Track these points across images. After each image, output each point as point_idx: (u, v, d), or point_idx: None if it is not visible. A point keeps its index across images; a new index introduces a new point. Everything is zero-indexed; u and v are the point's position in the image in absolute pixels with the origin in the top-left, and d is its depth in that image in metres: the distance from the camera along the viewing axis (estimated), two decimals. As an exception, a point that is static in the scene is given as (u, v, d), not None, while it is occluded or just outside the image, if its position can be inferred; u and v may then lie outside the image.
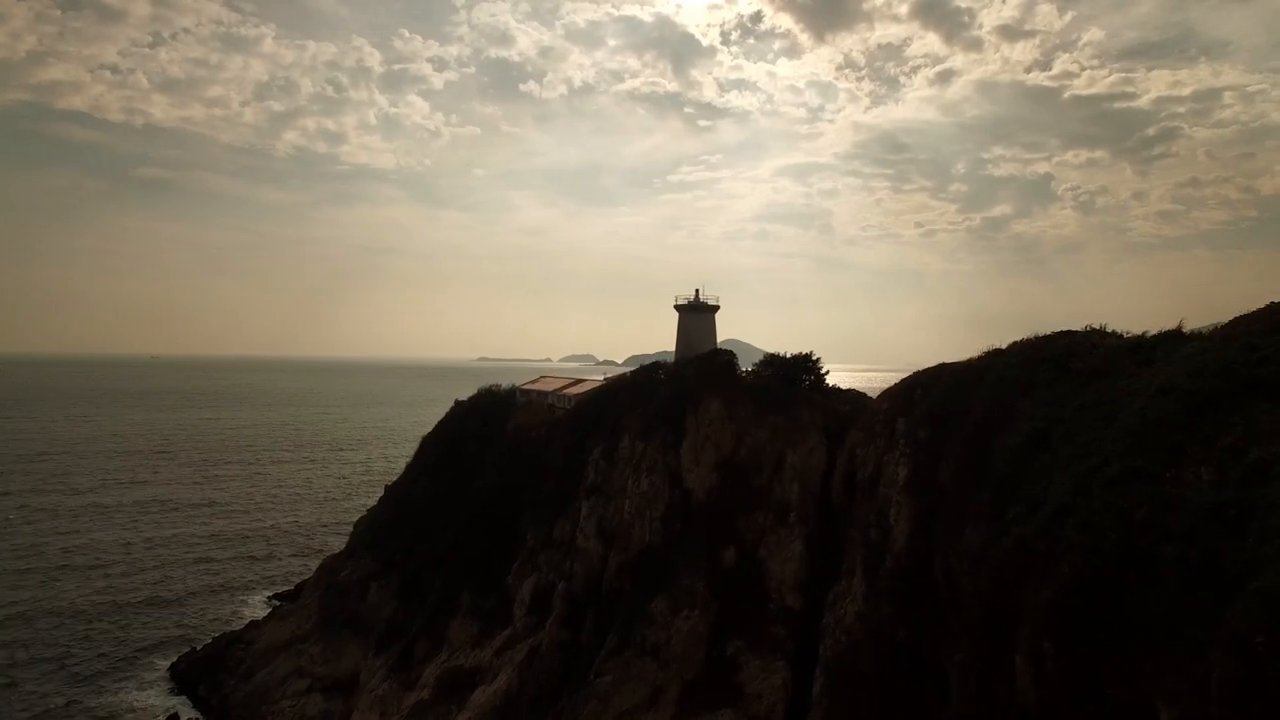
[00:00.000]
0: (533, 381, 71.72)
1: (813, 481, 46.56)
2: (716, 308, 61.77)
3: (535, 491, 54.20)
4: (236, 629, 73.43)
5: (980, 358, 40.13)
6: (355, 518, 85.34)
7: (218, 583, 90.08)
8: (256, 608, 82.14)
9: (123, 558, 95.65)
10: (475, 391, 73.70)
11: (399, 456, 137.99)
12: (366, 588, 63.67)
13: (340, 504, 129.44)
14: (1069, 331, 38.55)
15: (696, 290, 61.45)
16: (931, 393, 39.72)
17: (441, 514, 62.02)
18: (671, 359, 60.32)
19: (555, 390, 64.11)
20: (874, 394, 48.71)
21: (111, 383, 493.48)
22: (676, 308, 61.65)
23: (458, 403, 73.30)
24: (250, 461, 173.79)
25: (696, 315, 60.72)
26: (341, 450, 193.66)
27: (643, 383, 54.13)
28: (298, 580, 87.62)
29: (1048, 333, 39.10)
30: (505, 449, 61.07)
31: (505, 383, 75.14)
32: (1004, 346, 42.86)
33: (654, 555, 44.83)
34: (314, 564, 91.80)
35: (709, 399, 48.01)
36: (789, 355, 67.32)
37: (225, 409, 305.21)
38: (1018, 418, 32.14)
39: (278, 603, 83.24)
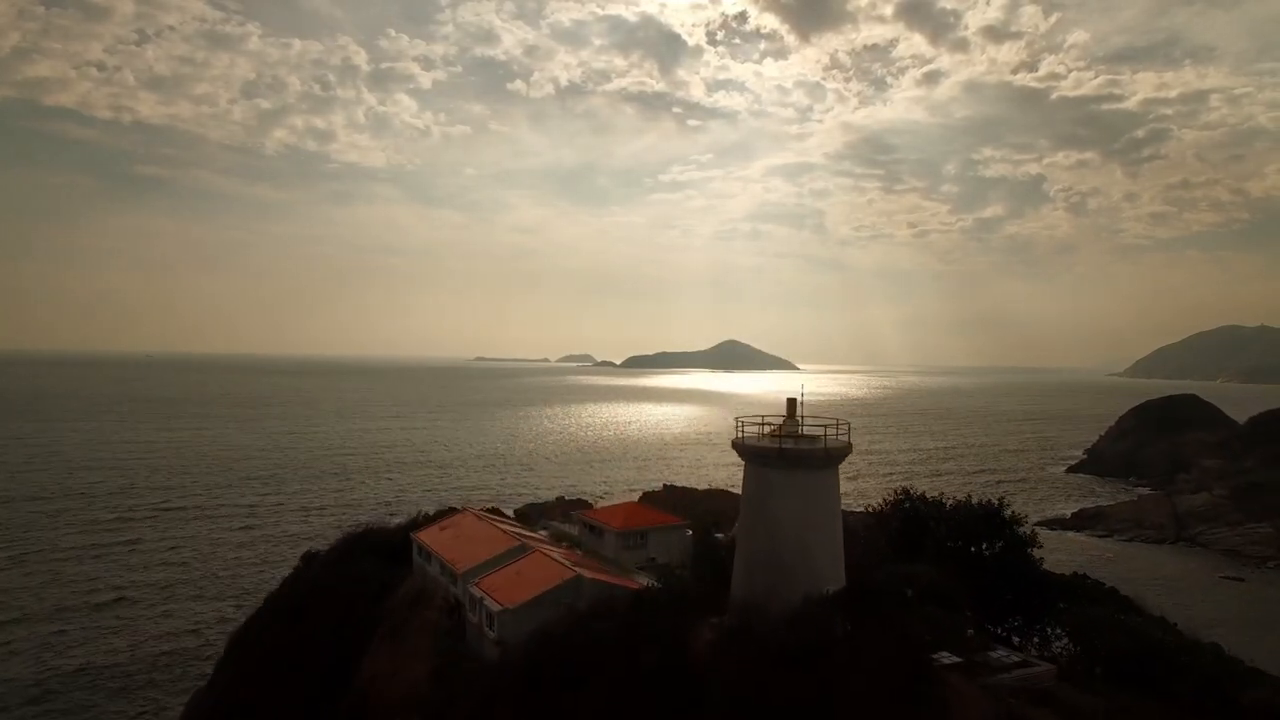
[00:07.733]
0: (444, 525, 38.15)
1: None
2: (846, 451, 23.70)
3: None
4: None
5: None
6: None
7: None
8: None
9: None
10: (345, 533, 40.01)
11: (358, 511, 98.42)
12: None
13: (257, 590, 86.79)
14: None
15: (790, 404, 23.81)
16: None
17: None
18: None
19: (473, 570, 30.94)
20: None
21: (84, 385, 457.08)
22: (738, 447, 24.04)
23: (307, 559, 39.56)
24: (167, 517, 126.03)
25: (792, 476, 22.70)
26: (308, 488, 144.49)
27: (654, 640, 20.93)
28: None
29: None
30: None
31: (402, 512, 41.65)
32: None
33: None
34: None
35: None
36: (943, 499, 35.05)
37: (185, 424, 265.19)
38: None
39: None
